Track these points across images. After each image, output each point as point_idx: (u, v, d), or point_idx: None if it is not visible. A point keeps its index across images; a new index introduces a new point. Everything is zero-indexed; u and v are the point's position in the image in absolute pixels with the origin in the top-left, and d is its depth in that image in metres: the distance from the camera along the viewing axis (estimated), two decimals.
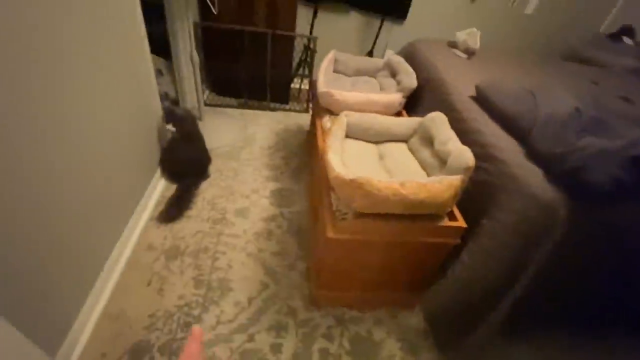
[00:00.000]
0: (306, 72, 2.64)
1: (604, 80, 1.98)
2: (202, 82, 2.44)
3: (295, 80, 2.78)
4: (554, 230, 0.97)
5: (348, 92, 1.55)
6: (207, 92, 2.65)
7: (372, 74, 1.99)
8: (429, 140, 1.30)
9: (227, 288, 1.35)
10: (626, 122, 1.07)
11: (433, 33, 2.82)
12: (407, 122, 1.40)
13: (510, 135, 1.16)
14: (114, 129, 1.25)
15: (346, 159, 1.26)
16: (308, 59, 2.55)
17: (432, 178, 1.04)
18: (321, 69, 1.75)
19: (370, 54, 2.71)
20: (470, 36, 1.85)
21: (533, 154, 1.06)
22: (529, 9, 2.80)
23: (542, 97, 1.21)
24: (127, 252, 1.40)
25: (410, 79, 1.66)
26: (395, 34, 2.83)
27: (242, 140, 2.23)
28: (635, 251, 1.05)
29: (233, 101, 2.62)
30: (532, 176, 1.01)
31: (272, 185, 1.90)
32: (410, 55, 1.99)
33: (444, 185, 1.00)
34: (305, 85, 2.85)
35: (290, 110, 2.67)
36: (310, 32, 2.49)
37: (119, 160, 1.32)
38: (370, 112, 1.60)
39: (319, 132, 1.52)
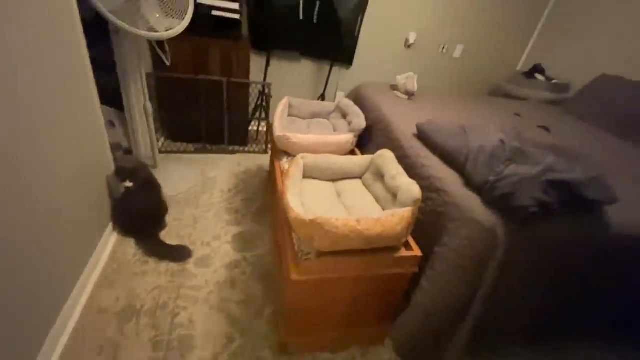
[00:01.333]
0: (263, 115, 2.74)
1: (525, 112, 2.28)
2: (158, 130, 2.42)
3: (253, 122, 2.86)
4: (496, 250, 1.07)
5: (303, 135, 1.64)
6: (162, 139, 2.62)
7: (325, 116, 2.12)
8: (380, 176, 1.40)
9: (189, 346, 1.27)
10: (542, 150, 1.25)
11: (377, 75, 3.11)
12: (359, 160, 1.49)
13: (450, 168, 1.29)
14: (59, 184, 1.19)
15: (305, 199, 1.30)
16: (264, 104, 2.66)
17: (386, 212, 1.11)
18: (276, 114, 1.84)
19: (322, 96, 2.89)
20: (409, 80, 2.07)
21: (470, 184, 1.18)
22: (457, 54, 3.21)
23: (473, 132, 1.37)
24: (75, 318, 1.28)
25: (359, 120, 1.80)
26: (344, 77, 3.07)
27: (202, 185, 2.21)
28: (564, 264, 1.18)
29: (191, 146, 2.61)
30: (472, 203, 1.12)
31: (234, 230, 1.87)
32: (358, 97, 2.16)
33: (396, 218, 1.07)
34: (263, 127, 2.94)
35: (249, 152, 2.71)
36: (265, 79, 2.62)
37: (65, 217, 1.24)
38: (325, 152, 1.70)
39: (277, 174, 1.56)
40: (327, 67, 2.89)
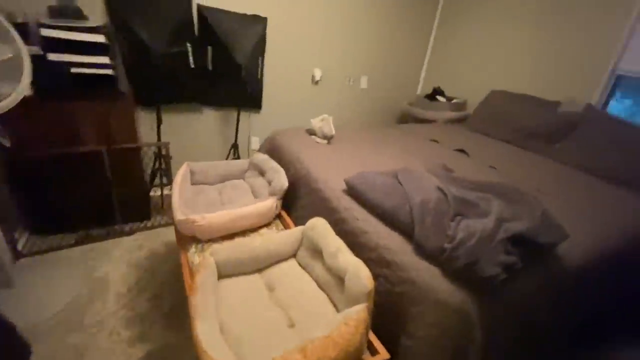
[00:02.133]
0: (165, 180, 2.29)
1: (439, 136, 2.32)
2: (15, 226, 1.80)
3: (155, 189, 2.38)
4: (473, 332, 0.88)
5: (213, 214, 1.30)
6: (26, 236, 1.96)
7: (239, 175, 1.81)
8: (317, 252, 1.14)
9: None
10: (482, 193, 1.15)
11: (289, 116, 2.94)
12: (288, 237, 1.21)
13: (394, 230, 1.10)
14: None
15: (226, 313, 0.96)
16: (163, 167, 2.22)
17: (337, 319, 0.84)
18: (175, 188, 1.46)
19: (235, 145, 2.56)
20: (325, 123, 1.91)
21: (422, 251, 0.99)
22: (363, 85, 3.25)
23: (407, 182, 1.22)
24: None
25: (280, 178, 1.54)
26: (256, 120, 2.82)
27: (87, 293, 1.65)
28: (537, 314, 1.06)
29: (69, 238, 2.00)
30: (432, 279, 0.92)
31: (139, 351, 1.39)
32: (273, 148, 1.92)
33: (351, 328, 0.81)
34: (168, 190, 2.47)
35: (153, 227, 2.21)
36: (159, 138, 2.20)
37: None
38: (245, 226, 1.38)
39: (185, 274, 1.18)
40: (235, 114, 2.60)
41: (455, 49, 3.17)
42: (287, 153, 1.76)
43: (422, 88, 3.58)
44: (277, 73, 2.72)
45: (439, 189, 1.13)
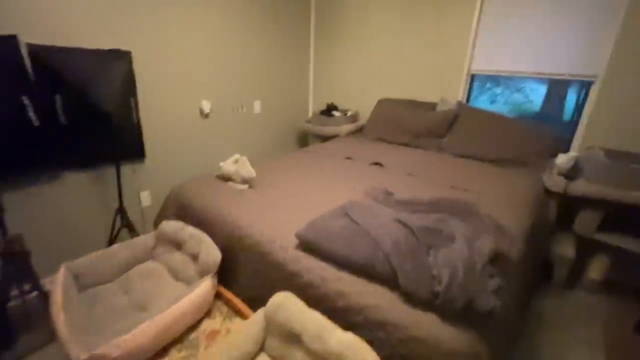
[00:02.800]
0: (27, 287, 1.62)
1: (350, 152, 2.34)
2: None
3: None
4: None
5: (130, 334, 0.92)
6: None
7: (146, 257, 1.40)
8: (293, 337, 0.92)
9: None
10: (435, 214, 1.14)
11: (182, 158, 2.54)
12: (248, 331, 0.95)
13: (372, 282, 0.98)
14: None
15: None
16: (18, 266, 1.57)
17: None
18: (56, 310, 1.00)
19: (121, 211, 2.03)
20: (241, 164, 1.66)
21: (411, 299, 0.90)
22: (257, 110, 3.08)
23: (361, 218, 1.13)
24: None
25: (208, 249, 1.24)
26: (143, 172, 2.31)
27: None
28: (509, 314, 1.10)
29: None
30: (434, 329, 0.84)
31: None
32: (183, 210, 1.56)
33: None
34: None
35: (22, 356, 1.53)
36: (4, 232, 1.54)
37: None
38: (181, 330, 1.05)
39: None
40: (113, 170, 2.07)
41: (336, 63, 3.32)
42: (204, 211, 1.45)
43: (313, 105, 3.63)
44: (157, 113, 2.29)
45: (399, 221, 1.07)
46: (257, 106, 3.07)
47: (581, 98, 2.27)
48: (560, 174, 1.94)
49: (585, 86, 2.20)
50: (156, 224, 1.68)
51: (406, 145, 2.59)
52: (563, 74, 2.23)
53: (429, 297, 0.85)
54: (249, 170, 1.64)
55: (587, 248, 2.02)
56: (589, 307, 1.93)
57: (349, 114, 3.04)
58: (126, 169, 2.19)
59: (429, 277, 0.88)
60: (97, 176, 2.08)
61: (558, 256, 2.02)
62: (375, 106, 2.94)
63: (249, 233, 1.26)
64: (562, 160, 2.06)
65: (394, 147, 2.56)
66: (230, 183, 1.69)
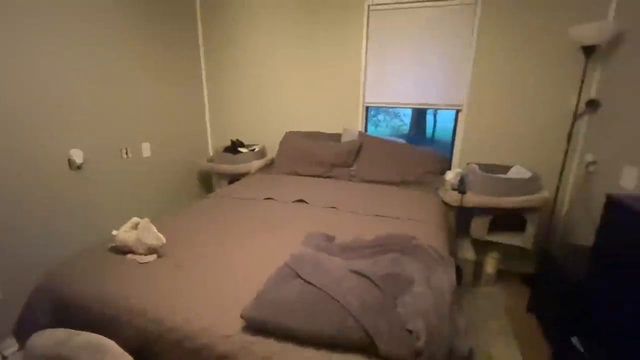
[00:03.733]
0: None
1: (270, 191, 2.20)
2: None
3: None
4: None
5: None
6: None
7: None
8: None
9: None
10: (385, 255, 1.11)
11: (49, 229, 1.96)
12: None
13: (346, 353, 0.86)
14: None
15: None
16: None
17: None
18: None
19: None
20: (143, 230, 1.33)
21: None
22: (146, 153, 2.64)
23: (313, 276, 1.01)
24: None
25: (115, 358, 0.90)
26: None
27: None
28: None
29: None
30: None
31: None
32: (65, 305, 1.13)
33: None
34: None
35: None
36: None
37: None
38: None
39: None
40: None
41: (235, 98, 3.16)
42: (100, 304, 1.07)
43: (213, 142, 3.36)
44: (7, 173, 1.70)
45: (355, 272, 1.00)
46: (145, 149, 2.63)
47: (454, 122, 2.72)
48: (453, 188, 2.24)
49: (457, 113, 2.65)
50: (20, 337, 1.17)
51: (319, 176, 2.61)
52: (439, 104, 2.64)
53: (411, 358, 0.79)
54: (156, 236, 1.32)
55: (482, 248, 2.37)
56: (491, 297, 2.24)
57: (256, 149, 2.91)
58: None
59: (406, 334, 0.82)
60: None
61: (463, 260, 2.30)
62: (283, 140, 2.89)
63: (173, 324, 0.97)
64: (450, 176, 2.39)
65: (309, 179, 2.54)
66: (130, 256, 1.32)
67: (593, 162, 2.11)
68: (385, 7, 2.54)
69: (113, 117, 2.31)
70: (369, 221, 1.73)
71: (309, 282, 0.99)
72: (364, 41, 2.64)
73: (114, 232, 1.37)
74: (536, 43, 2.23)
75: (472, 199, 2.10)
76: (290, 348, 0.87)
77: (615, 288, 1.38)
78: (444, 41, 2.46)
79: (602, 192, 1.66)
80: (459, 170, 2.40)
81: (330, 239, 1.32)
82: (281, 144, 2.89)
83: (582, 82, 2.07)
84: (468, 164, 2.42)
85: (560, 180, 2.26)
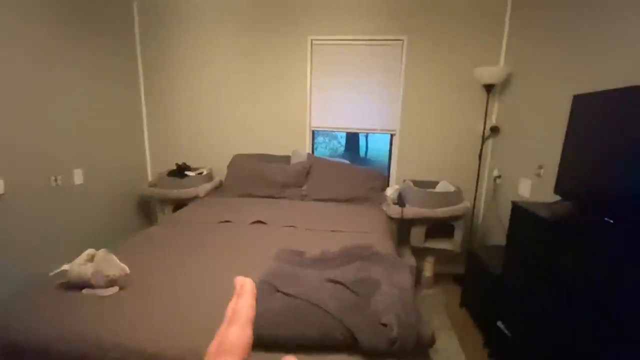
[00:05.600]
0: None
1: (226, 215, 2.19)
2: None
3: None
4: None
5: None
6: None
7: None
8: None
9: None
10: (353, 264, 1.25)
11: None
12: None
13: (331, 353, 0.96)
14: None
15: None
16: None
17: None
18: None
19: None
20: (103, 261, 1.25)
21: (371, 355, 0.95)
22: (78, 180, 2.42)
23: (294, 288, 1.09)
24: None
25: None
26: None
27: None
28: None
29: None
30: None
31: None
32: (14, 352, 1.01)
33: None
34: None
35: None
36: None
37: None
38: None
39: None
40: None
41: (177, 121, 3.09)
42: (62, 343, 0.98)
43: (153, 167, 3.19)
44: None
45: (330, 280, 1.11)
46: (78, 176, 2.42)
47: (389, 145, 3.07)
48: (394, 203, 2.52)
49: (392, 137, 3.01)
50: None
51: (272, 197, 2.68)
52: (376, 129, 2.97)
53: (388, 346, 0.93)
54: (119, 267, 1.26)
55: (420, 254, 2.68)
56: (432, 297, 2.53)
57: (204, 172, 2.86)
58: None
59: (382, 327, 0.96)
60: None
61: None
62: (232, 162, 2.91)
63: (156, 351, 0.96)
64: (390, 192, 2.69)
65: (263, 200, 2.59)
66: (87, 291, 1.23)
67: (499, 176, 2.60)
68: (326, 42, 2.81)
69: (41, 141, 2.10)
70: (327, 236, 1.86)
71: (288, 294, 1.07)
72: (309, 70, 2.86)
73: (66, 267, 1.26)
74: (452, 79, 2.71)
75: (411, 211, 2.39)
76: (280, 357, 0.93)
77: (524, 278, 1.73)
78: (379, 74, 2.82)
79: (507, 199, 2.07)
80: (397, 186, 2.72)
81: (300, 254, 1.42)
82: (230, 166, 2.90)
83: (486, 112, 2.58)
84: (404, 181, 2.75)
85: (476, 191, 2.71)
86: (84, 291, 1.23)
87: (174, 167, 2.85)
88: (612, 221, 1.28)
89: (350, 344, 0.95)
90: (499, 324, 1.79)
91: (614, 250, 1.08)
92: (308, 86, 2.89)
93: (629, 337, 0.97)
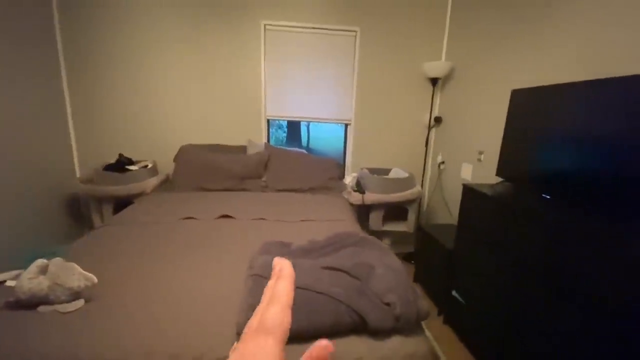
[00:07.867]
0: None
1: (188, 211, 2.02)
2: None
3: None
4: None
5: None
6: None
7: None
8: None
9: None
10: (346, 250, 1.28)
11: None
12: None
13: (341, 337, 0.98)
14: None
15: None
16: None
17: None
18: None
19: None
20: (62, 271, 1.06)
21: (378, 333, 1.00)
22: None
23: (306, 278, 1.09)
24: None
25: None
26: None
27: None
28: None
29: None
30: (407, 344, 0.98)
31: None
32: None
33: None
34: None
35: None
36: None
37: None
38: None
39: None
40: None
41: (105, 109, 2.72)
42: None
43: (81, 161, 2.76)
44: None
45: (329, 268, 1.13)
46: None
47: (344, 134, 3.15)
48: (354, 190, 2.63)
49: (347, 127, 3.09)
50: None
51: (230, 190, 2.56)
52: (330, 119, 3.02)
53: (394, 323, 0.99)
54: (84, 276, 1.08)
55: (378, 237, 2.85)
56: None
57: (149, 165, 2.59)
58: None
59: (386, 307, 1.02)
60: None
61: None
62: (179, 154, 2.68)
63: (156, 350, 0.87)
64: (349, 180, 2.79)
65: (222, 194, 2.46)
66: (44, 308, 1.04)
67: (442, 162, 2.88)
68: (279, 28, 2.74)
69: None
70: (299, 226, 1.87)
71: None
72: (262, 57, 2.76)
73: (10, 284, 1.04)
74: (402, 72, 2.88)
75: (371, 197, 2.52)
76: (290, 348, 0.93)
77: (474, 250, 1.98)
78: (333, 64, 2.85)
79: (451, 183, 2.31)
80: (354, 174, 2.82)
81: (287, 245, 1.40)
82: (178, 158, 2.68)
83: (432, 103, 2.81)
84: (362, 169, 2.87)
85: (423, 176, 2.97)
86: (40, 308, 1.04)
87: (112, 161, 2.51)
88: (549, 197, 1.54)
89: (358, 326, 0.99)
90: (454, 293, 2.02)
91: (552, 222, 1.31)
92: (262, 74, 2.79)
93: (565, 297, 1.19)
